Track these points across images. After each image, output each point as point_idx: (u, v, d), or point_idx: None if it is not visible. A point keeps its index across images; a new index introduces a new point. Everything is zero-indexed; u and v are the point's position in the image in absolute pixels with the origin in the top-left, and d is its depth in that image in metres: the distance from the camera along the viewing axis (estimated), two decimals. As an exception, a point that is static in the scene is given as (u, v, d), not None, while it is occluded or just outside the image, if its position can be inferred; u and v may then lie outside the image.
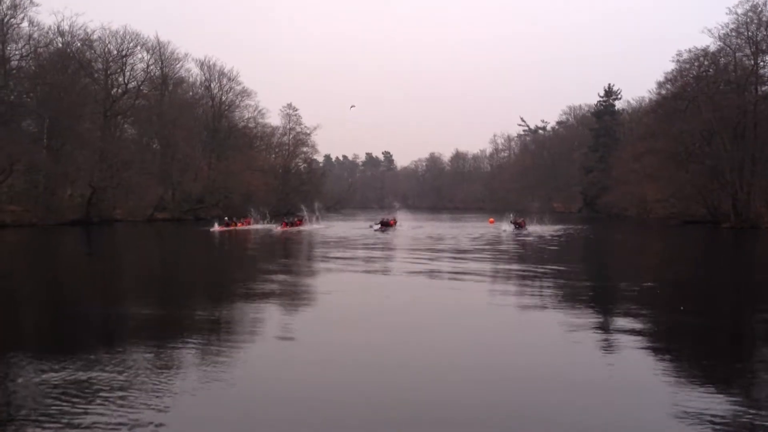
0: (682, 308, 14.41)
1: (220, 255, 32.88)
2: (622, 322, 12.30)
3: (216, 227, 50.56)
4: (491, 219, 60.39)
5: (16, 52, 59.99)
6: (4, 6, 56.57)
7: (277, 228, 51.57)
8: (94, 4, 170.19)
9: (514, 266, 24.15)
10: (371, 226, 51.12)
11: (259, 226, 56.16)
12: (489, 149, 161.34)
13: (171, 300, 15.97)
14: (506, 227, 47.32)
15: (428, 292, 16.80)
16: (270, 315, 12.89)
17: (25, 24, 59.14)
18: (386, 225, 51.58)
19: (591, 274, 23.25)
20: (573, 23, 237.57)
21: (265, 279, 19.94)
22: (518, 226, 46.86)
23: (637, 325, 11.86)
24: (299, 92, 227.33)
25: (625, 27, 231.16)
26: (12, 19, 57.60)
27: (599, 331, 11.45)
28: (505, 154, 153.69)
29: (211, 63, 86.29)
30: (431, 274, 21.07)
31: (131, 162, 65.36)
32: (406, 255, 28.82)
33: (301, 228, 53.00)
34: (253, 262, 27.85)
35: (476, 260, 25.48)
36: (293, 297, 15.81)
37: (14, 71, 59.45)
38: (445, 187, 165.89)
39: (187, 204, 75.05)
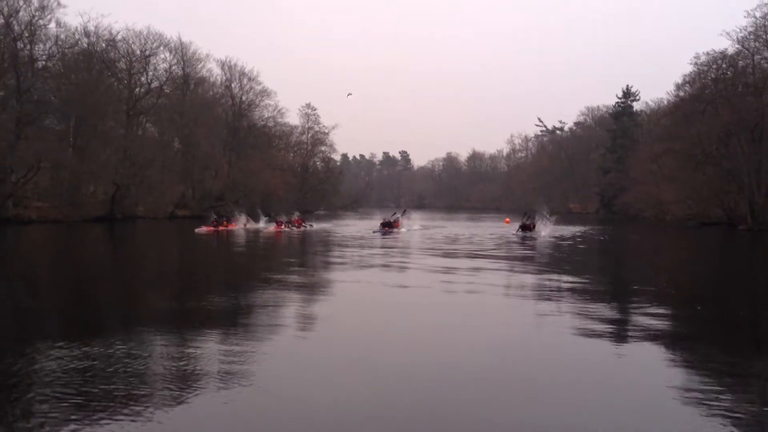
0: (699, 308, 14.59)
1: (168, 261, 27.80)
2: (638, 321, 12.35)
3: (202, 228, 45.27)
4: (507, 219, 60.44)
5: (44, 53, 61.38)
6: (32, 8, 57.92)
7: (269, 228, 47.59)
8: (120, 5, 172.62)
9: (520, 268, 23.41)
10: (374, 232, 44.45)
11: (260, 225, 51.78)
12: (506, 149, 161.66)
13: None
14: (514, 230, 43.26)
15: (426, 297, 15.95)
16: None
17: (52, 25, 60.55)
18: (388, 226, 45.75)
19: (607, 274, 23.36)
20: (592, 24, 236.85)
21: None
22: (527, 228, 42.19)
23: (654, 325, 11.87)
24: (317, 91, 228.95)
25: (643, 28, 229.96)
26: (40, 20, 58.93)
27: (614, 332, 11.50)
28: (522, 155, 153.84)
29: (231, 63, 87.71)
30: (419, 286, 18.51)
31: (153, 160, 66.64)
32: (397, 260, 25.96)
33: (298, 229, 48.05)
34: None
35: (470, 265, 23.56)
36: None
37: (41, 71, 60.79)
38: (462, 187, 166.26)
39: (207, 201, 76.22)
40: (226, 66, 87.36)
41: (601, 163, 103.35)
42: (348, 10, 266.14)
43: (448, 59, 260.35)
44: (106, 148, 64.19)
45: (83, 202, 60.32)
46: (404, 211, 58.29)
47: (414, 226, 51.68)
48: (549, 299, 15.76)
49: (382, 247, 32.48)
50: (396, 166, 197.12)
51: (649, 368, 8.93)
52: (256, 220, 53.31)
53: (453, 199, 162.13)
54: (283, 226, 47.25)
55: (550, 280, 19.31)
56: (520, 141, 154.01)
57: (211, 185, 78.07)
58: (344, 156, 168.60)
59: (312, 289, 17.39)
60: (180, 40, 76.74)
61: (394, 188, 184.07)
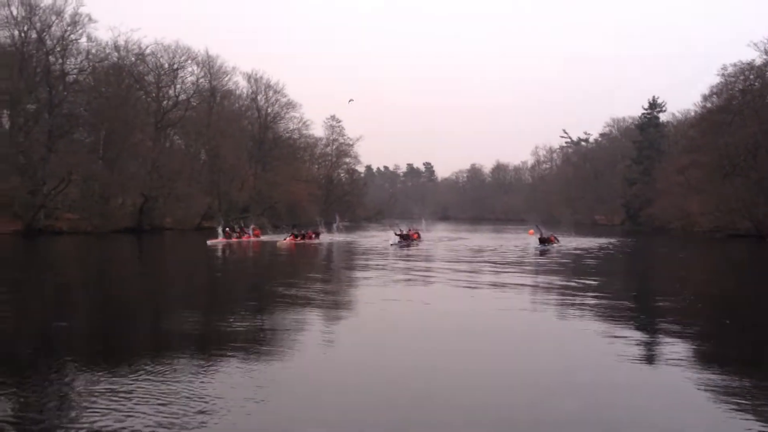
0: (727, 322, 14.49)
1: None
2: (664, 336, 12.33)
3: (219, 238, 44.57)
4: (531, 230, 59.92)
5: (75, 67, 62.77)
6: (64, 23, 59.36)
7: (283, 240, 44.30)
8: (149, 20, 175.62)
9: (543, 283, 22.37)
10: (391, 244, 42.41)
11: (274, 237, 48.66)
12: (530, 161, 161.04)
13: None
14: (532, 242, 41.46)
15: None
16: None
17: (83, 40, 61.94)
18: (406, 238, 44.42)
19: (632, 287, 22.96)
20: (617, 35, 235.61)
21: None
22: (546, 241, 40.51)
23: (680, 339, 11.88)
24: (341, 103, 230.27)
25: (670, 39, 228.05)
26: (71, 35, 60.34)
27: (640, 345, 11.47)
28: (547, 166, 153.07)
29: (258, 76, 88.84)
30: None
31: (181, 172, 67.62)
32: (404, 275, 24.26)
33: (313, 241, 46.66)
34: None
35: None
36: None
37: (72, 85, 62.14)
38: (486, 199, 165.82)
39: (234, 213, 77.00)
40: (252, 79, 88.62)
41: (627, 174, 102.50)
42: (371, 23, 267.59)
43: (473, 71, 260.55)
44: (135, 161, 65.28)
45: (112, 214, 61.37)
46: (421, 219, 59.58)
47: (430, 235, 50.31)
48: (570, 316, 15.21)
49: (404, 260, 31.79)
50: (420, 178, 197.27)
51: (678, 389, 8.76)
52: (273, 231, 53.30)
53: (477, 211, 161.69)
54: (297, 239, 45.26)
55: (574, 295, 18.54)
56: (544, 152, 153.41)
57: (237, 197, 78.92)
58: (368, 167, 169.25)
59: (328, 308, 15.90)
60: (207, 54, 78.01)
61: (418, 200, 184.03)
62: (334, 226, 55.73)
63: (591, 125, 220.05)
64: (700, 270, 31.51)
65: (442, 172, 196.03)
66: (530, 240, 43.77)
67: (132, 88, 68.36)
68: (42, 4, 58.36)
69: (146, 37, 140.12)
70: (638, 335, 12.82)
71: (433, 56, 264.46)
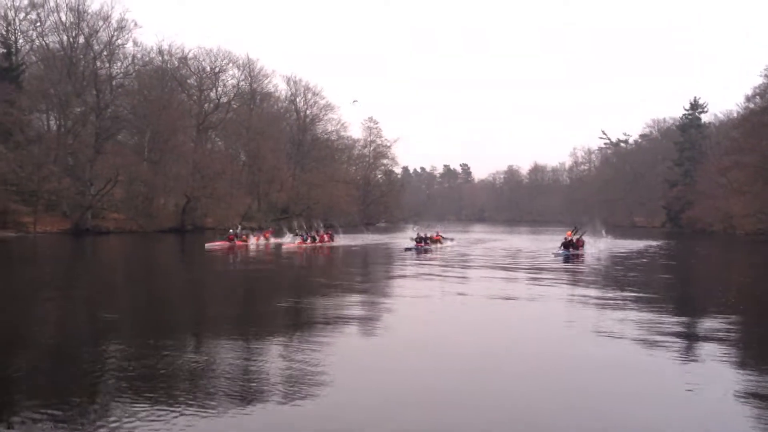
0: None
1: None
2: (707, 341, 12.09)
3: (217, 242, 39.91)
4: (569, 232, 59.02)
5: (121, 71, 64.64)
6: (111, 28, 61.22)
7: (291, 244, 40.99)
8: (193, 24, 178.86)
9: (578, 289, 20.86)
10: (406, 249, 38.06)
11: (286, 240, 44.56)
12: (568, 162, 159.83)
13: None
14: (555, 249, 35.60)
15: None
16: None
17: (129, 44, 63.81)
18: (425, 242, 39.52)
19: (674, 294, 21.76)
20: (658, 35, 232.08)
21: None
22: (570, 246, 35.53)
23: (723, 343, 11.76)
24: (379, 104, 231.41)
25: (712, 39, 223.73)
26: (118, 40, 62.20)
27: (684, 352, 11.26)
28: (585, 167, 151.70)
29: (296, 78, 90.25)
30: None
31: (222, 173, 68.94)
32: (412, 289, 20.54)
33: (327, 244, 42.98)
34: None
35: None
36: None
37: (118, 88, 63.95)
38: (523, 200, 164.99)
39: (273, 214, 78.35)
40: (292, 81, 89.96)
41: (668, 176, 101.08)
42: (410, 25, 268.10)
43: (510, 72, 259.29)
44: (178, 162, 66.81)
45: (156, 214, 63.00)
46: (439, 222, 54.06)
47: (449, 242, 44.33)
48: (605, 329, 14.07)
49: (426, 265, 29.07)
50: (456, 179, 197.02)
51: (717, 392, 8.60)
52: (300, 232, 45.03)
53: (514, 212, 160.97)
54: (307, 242, 41.02)
55: (614, 304, 17.01)
56: (583, 154, 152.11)
57: (276, 198, 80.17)
58: (405, 169, 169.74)
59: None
60: (248, 57, 79.51)
61: (454, 201, 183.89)
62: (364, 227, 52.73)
63: (630, 126, 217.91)
64: (743, 273, 30.89)
65: (479, 173, 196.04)
66: (552, 249, 36.96)
67: (175, 91, 70.08)
68: (90, 10, 60.42)
69: (189, 41, 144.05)
70: (678, 337, 12.75)
71: (469, 57, 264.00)
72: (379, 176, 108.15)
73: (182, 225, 63.11)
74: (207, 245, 38.11)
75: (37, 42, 60.89)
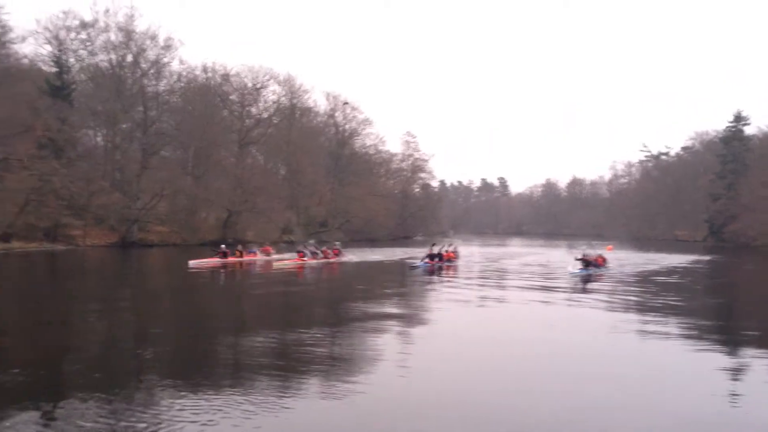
0: None
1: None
2: (750, 359, 12.01)
3: (205, 259, 35.47)
4: (609, 246, 58.13)
5: (166, 88, 66.55)
6: (158, 46, 63.13)
7: (285, 261, 36.60)
8: (234, 42, 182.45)
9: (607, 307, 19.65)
10: (411, 268, 33.72)
11: (286, 256, 39.41)
12: (608, 175, 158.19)
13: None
14: (571, 266, 31.29)
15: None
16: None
17: (175, 62, 65.73)
18: (438, 259, 35.19)
19: (711, 310, 20.78)
20: (699, 48, 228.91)
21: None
22: (590, 264, 31.22)
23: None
24: (416, 118, 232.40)
25: (755, 51, 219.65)
26: (164, 58, 64.13)
27: (729, 369, 11.20)
28: (625, 180, 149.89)
29: (335, 93, 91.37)
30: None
31: (263, 187, 70.19)
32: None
33: (333, 260, 39.06)
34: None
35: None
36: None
37: (165, 105, 65.82)
38: (561, 214, 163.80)
39: (312, 227, 79.32)
40: (331, 96, 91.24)
41: (710, 189, 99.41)
42: (447, 41, 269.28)
43: (548, 84, 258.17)
44: (220, 177, 68.26)
45: (198, 227, 64.42)
46: (451, 236, 46.28)
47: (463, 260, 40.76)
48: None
49: (444, 284, 26.57)
50: (494, 193, 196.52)
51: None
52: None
53: (552, 226, 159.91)
54: (308, 257, 37.07)
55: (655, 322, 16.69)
56: (623, 166, 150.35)
57: (315, 211, 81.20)
58: (442, 182, 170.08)
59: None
60: (288, 74, 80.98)
61: (491, 214, 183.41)
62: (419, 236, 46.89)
63: (672, 139, 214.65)
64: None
65: (516, 186, 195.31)
66: (569, 266, 32.16)
67: (218, 107, 71.71)
68: (138, 30, 62.35)
69: (232, 58, 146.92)
70: (721, 355, 12.68)
71: (507, 72, 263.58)
72: (417, 190, 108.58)
73: (224, 238, 64.29)
74: (191, 263, 33.40)
75: (87, 61, 62.98)
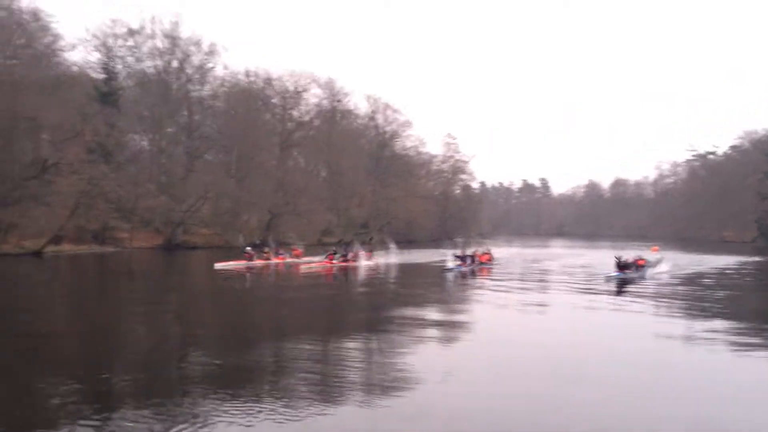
0: None
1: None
2: None
3: (232, 261, 35.03)
4: (654, 247, 56.64)
5: (210, 93, 67.72)
6: (202, 52, 64.33)
7: (315, 263, 35.58)
8: (279, 47, 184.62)
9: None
10: (444, 270, 32.36)
11: (315, 259, 37.63)
12: (653, 175, 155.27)
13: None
14: (609, 270, 29.43)
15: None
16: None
17: (219, 67, 66.89)
18: (469, 261, 34.33)
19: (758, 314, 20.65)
20: (746, 45, 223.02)
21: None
22: (628, 267, 29.31)
23: None
24: (457, 119, 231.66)
25: (754, 53, 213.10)
26: (209, 64, 65.30)
27: None
28: (671, 180, 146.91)
29: (376, 96, 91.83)
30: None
31: (304, 189, 70.89)
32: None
33: (357, 263, 36.76)
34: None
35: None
36: None
37: (209, 109, 67.02)
38: (604, 215, 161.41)
39: (353, 229, 79.69)
40: (371, 99, 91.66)
41: (760, 188, 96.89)
42: (488, 42, 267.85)
43: (592, 84, 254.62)
44: (262, 179, 69.18)
45: (241, 229, 65.24)
46: (484, 237, 41.97)
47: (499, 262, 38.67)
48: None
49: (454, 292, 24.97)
50: (535, 194, 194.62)
51: None
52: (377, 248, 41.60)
53: (595, 227, 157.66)
54: (337, 261, 36.09)
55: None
56: (668, 166, 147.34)
57: (356, 213, 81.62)
58: (482, 184, 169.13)
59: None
60: (329, 77, 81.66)
61: (533, 215, 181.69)
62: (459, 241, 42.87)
63: (719, 138, 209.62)
64: None
65: (558, 187, 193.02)
66: (606, 269, 30.57)
67: (260, 111, 72.69)
68: (183, 36, 63.60)
69: (274, 63, 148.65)
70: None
71: (548, 70, 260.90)
72: (457, 191, 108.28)
73: (266, 241, 65.06)
74: (217, 265, 33.49)
75: (134, 67, 64.46)
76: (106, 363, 11.40)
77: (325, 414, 8.24)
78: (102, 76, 59.71)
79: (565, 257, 50.90)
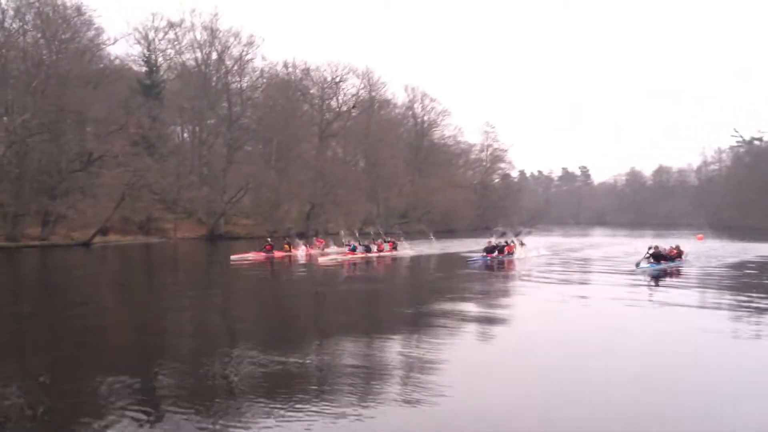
0: None
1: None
2: None
3: (250, 253, 34.05)
4: (700, 235, 55.40)
5: (250, 84, 68.24)
6: (241, 44, 64.80)
7: (337, 255, 34.17)
8: (314, 38, 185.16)
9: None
10: (469, 261, 30.82)
11: (336, 250, 36.88)
12: (696, 162, 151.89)
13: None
14: (640, 260, 26.74)
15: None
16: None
17: (258, 59, 67.30)
18: (499, 252, 32.10)
19: None
20: (752, 42, 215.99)
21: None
22: (662, 258, 26.78)
23: None
24: (496, 108, 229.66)
25: (761, 50, 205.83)
26: (248, 55, 65.75)
27: None
28: (715, 167, 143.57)
29: (414, 86, 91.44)
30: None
31: (344, 180, 71.07)
32: None
33: (387, 254, 35.58)
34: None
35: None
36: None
37: (248, 101, 67.53)
38: (647, 203, 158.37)
39: (392, 219, 79.68)
40: (409, 88, 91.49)
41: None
42: (528, 30, 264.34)
43: (631, 70, 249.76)
44: (302, 170, 69.54)
45: (281, 219, 65.79)
46: (519, 232, 40.76)
47: (532, 252, 35.14)
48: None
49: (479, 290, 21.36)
50: (575, 182, 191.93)
51: None
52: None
53: (637, 215, 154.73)
54: (357, 252, 34.13)
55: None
56: (713, 153, 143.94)
57: (395, 203, 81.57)
58: (521, 172, 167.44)
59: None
60: (367, 67, 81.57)
61: (573, 204, 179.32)
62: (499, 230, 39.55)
63: (765, 124, 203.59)
64: None
65: (599, 176, 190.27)
66: (636, 259, 27.60)
67: (299, 102, 72.97)
68: (222, 28, 64.13)
69: (312, 53, 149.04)
70: None
71: (588, 56, 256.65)
72: (496, 180, 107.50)
73: (306, 230, 65.49)
74: (233, 257, 32.63)
75: (174, 60, 65.23)
76: (154, 357, 11.42)
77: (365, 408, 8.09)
78: (144, 69, 60.57)
79: (605, 246, 49.36)
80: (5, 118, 43.17)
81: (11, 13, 44.40)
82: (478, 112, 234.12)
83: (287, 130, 65.71)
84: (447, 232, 75.65)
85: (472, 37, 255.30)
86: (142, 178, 48.34)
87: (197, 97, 61.96)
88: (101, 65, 54.96)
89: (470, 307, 17.15)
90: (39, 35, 47.60)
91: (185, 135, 68.41)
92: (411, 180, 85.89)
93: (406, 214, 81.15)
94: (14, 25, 45.21)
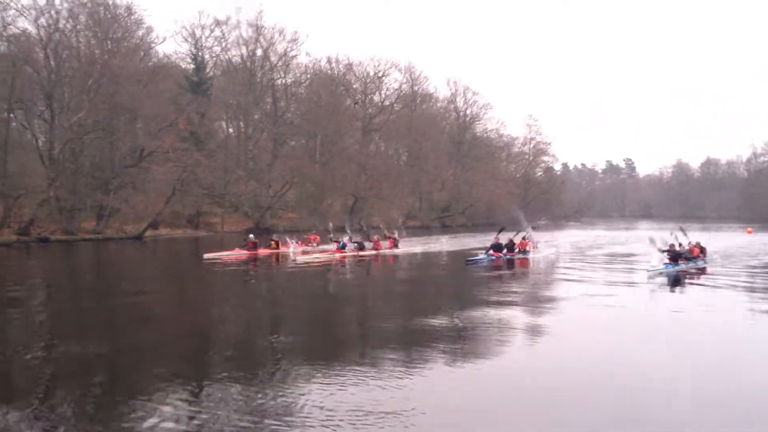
0: None
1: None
2: None
3: (217, 253, 30.14)
4: (749, 229, 54.22)
5: (294, 79, 69.21)
6: (286, 40, 65.75)
7: (321, 254, 30.43)
8: (359, 33, 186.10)
9: None
10: (467, 261, 27.02)
11: (329, 248, 31.87)
12: (746, 154, 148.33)
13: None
14: (653, 260, 22.98)
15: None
16: None
17: (302, 55, 68.17)
18: (508, 250, 28.18)
19: None
20: (726, 46, 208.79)
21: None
22: (679, 257, 23.36)
23: None
24: (539, 101, 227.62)
25: None
26: (292, 52, 66.69)
27: None
28: (766, 159, 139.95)
29: (456, 79, 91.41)
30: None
31: (387, 174, 71.59)
32: None
33: (380, 251, 32.64)
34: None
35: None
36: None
37: (293, 96, 68.50)
38: (694, 196, 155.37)
39: (435, 212, 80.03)
40: (451, 82, 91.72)
41: None
42: (570, 24, 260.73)
43: (679, 59, 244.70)
44: (345, 164, 70.27)
45: (326, 213, 66.53)
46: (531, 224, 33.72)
47: (545, 250, 31.11)
48: None
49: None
50: (620, 175, 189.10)
51: None
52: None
53: (683, 209, 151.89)
54: (347, 249, 31.05)
55: None
56: (763, 144, 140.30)
57: (438, 197, 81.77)
58: (565, 165, 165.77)
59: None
60: (409, 61, 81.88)
61: (617, 197, 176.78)
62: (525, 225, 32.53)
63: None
64: None
65: (644, 168, 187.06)
66: (652, 259, 23.30)
67: (342, 97, 73.68)
68: (267, 25, 65.15)
69: (354, 48, 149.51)
70: None
71: (635, 51, 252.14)
72: (539, 174, 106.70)
73: (351, 223, 66.09)
74: (206, 255, 29.20)
75: (220, 57, 66.48)
76: (199, 343, 11.89)
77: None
78: (191, 66, 61.85)
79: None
80: (61, 116, 44.67)
81: (65, 14, 45.84)
82: (517, 105, 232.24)
83: (331, 125, 66.52)
84: (488, 225, 75.50)
85: (511, 31, 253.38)
86: (192, 173, 49.49)
87: (243, 93, 63.12)
88: (151, 63, 56.33)
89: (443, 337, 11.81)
90: (91, 35, 49.08)
91: (230, 130, 69.80)
92: (453, 174, 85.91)
93: (449, 208, 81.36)
94: (68, 26, 46.61)
